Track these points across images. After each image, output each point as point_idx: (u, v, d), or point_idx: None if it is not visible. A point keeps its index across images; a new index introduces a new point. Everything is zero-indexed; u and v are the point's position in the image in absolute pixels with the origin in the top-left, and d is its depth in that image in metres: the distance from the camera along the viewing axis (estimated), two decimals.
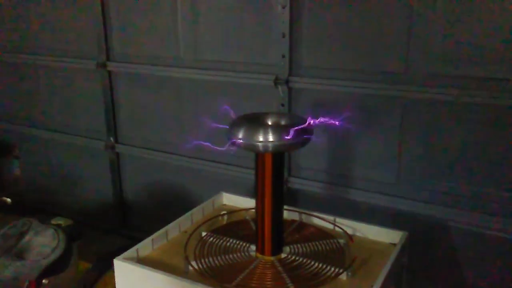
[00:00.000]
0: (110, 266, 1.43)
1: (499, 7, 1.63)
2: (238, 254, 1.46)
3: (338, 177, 2.09)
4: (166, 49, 2.39)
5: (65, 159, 2.99)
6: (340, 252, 1.48)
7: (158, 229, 1.57)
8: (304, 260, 1.42)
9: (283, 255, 1.45)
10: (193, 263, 1.40)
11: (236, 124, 1.36)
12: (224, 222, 1.69)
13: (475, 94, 1.72)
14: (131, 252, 1.44)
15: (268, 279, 1.34)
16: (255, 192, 1.43)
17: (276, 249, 1.45)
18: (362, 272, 1.38)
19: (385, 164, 1.96)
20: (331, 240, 1.54)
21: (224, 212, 1.73)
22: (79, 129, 2.84)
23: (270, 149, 1.30)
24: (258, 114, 1.45)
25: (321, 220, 1.66)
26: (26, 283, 1.63)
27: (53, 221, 1.87)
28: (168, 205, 2.60)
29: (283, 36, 2.02)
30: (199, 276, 1.35)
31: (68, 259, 1.75)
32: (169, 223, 1.61)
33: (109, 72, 2.59)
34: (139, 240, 1.50)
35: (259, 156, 1.39)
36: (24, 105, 3.06)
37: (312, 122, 1.34)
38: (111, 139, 2.69)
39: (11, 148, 3.22)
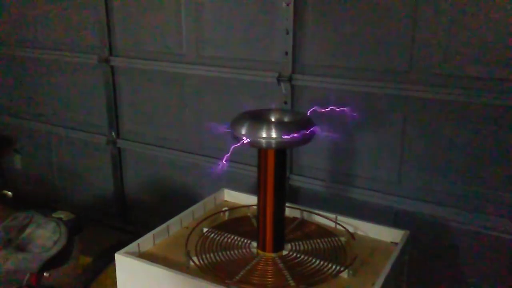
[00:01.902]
0: (111, 261, 1.43)
1: (503, 7, 1.63)
2: (239, 251, 1.46)
3: (340, 175, 2.09)
4: (169, 45, 2.38)
5: (67, 153, 3.00)
6: (342, 250, 1.47)
7: (159, 224, 1.57)
8: (305, 258, 1.42)
9: (284, 252, 1.45)
10: (194, 258, 1.40)
11: (239, 120, 1.36)
12: (226, 219, 1.69)
13: (478, 94, 1.72)
14: (132, 246, 1.44)
15: (269, 276, 1.34)
16: (257, 189, 1.43)
17: (278, 246, 1.45)
18: (363, 271, 1.38)
19: (387, 163, 1.96)
20: (333, 238, 1.53)
21: (226, 208, 1.73)
22: (81, 124, 2.84)
23: (273, 145, 1.30)
24: (261, 110, 1.45)
25: (322, 218, 1.66)
26: (27, 276, 1.63)
27: (55, 215, 1.87)
28: (169, 200, 2.60)
29: (287, 33, 2.02)
30: (200, 271, 1.35)
31: (69, 253, 1.76)
32: (170, 218, 1.62)
33: (112, 67, 2.59)
34: (140, 235, 1.51)
35: (261, 152, 1.38)
36: (25, 99, 3.06)
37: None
38: (113, 134, 2.70)
39: (12, 142, 3.22)
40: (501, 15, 1.64)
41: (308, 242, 1.51)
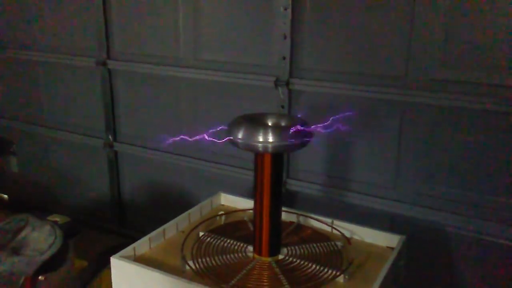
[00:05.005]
0: (107, 264, 1.43)
1: (501, 12, 1.64)
2: (235, 255, 1.46)
3: (336, 180, 2.08)
4: (167, 48, 2.38)
5: (63, 156, 2.99)
6: (338, 255, 1.47)
7: (155, 228, 1.57)
8: (302, 262, 1.42)
9: (280, 257, 1.45)
10: (190, 262, 1.39)
11: (236, 124, 1.36)
12: (222, 223, 1.69)
13: (475, 100, 1.72)
14: (128, 250, 1.44)
15: (265, 280, 1.34)
16: (254, 193, 1.43)
17: (274, 251, 1.45)
18: (359, 275, 1.38)
19: (383, 168, 1.96)
20: (329, 243, 1.53)
21: (222, 212, 1.73)
22: (78, 127, 2.84)
23: (270, 149, 1.30)
24: (257, 114, 1.45)
25: (319, 223, 1.66)
26: (22, 279, 1.62)
27: (50, 218, 1.86)
28: (165, 204, 2.60)
29: (284, 38, 2.02)
30: (196, 276, 1.35)
31: (64, 256, 1.75)
32: (167, 222, 1.61)
33: (109, 70, 2.59)
34: (136, 239, 1.50)
35: (258, 156, 1.38)
36: (22, 102, 3.05)
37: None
38: (110, 137, 2.69)
39: (9, 145, 3.21)
40: (499, 20, 1.64)
41: (304, 246, 1.51)
